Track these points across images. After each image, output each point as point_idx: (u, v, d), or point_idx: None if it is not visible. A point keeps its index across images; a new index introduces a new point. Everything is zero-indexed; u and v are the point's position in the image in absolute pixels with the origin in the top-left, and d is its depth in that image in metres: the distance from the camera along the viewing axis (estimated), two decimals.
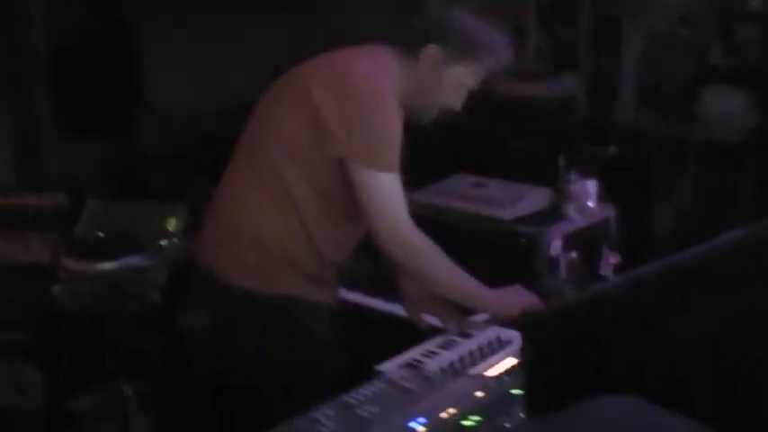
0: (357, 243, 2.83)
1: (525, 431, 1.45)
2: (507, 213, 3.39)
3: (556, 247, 3.35)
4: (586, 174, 3.49)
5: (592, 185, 3.51)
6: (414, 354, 2.52)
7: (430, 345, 2.58)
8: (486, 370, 2.39)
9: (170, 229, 4.04)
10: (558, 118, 5.27)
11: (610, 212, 3.62)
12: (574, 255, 3.40)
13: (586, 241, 3.48)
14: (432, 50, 2.63)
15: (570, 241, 3.41)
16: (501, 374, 2.35)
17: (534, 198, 3.49)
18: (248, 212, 2.71)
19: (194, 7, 6.21)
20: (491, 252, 3.21)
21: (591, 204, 3.52)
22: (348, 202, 2.63)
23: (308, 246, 2.68)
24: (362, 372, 2.66)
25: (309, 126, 2.58)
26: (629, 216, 4.00)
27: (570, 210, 3.45)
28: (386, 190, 2.56)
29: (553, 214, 3.48)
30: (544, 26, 6.01)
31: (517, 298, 2.63)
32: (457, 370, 2.40)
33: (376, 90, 2.57)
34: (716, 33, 6.17)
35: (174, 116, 5.81)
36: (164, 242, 3.75)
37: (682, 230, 5.68)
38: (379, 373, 2.36)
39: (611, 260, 3.51)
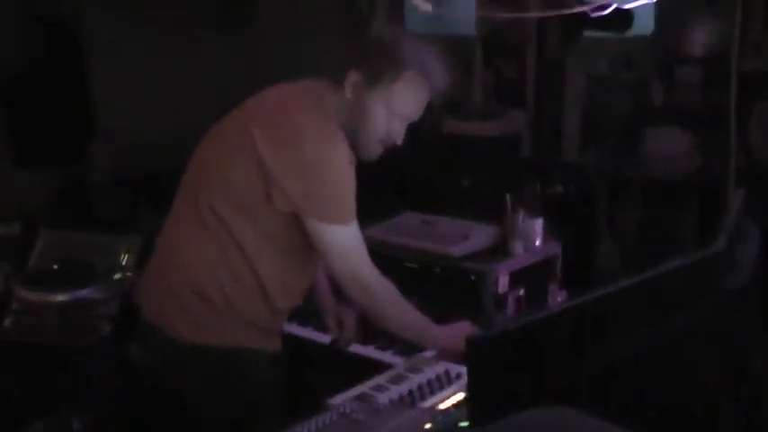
0: (309, 287, 2.83)
1: None
2: (456, 250, 3.46)
3: (503, 283, 3.42)
4: (533, 212, 3.58)
5: (538, 224, 3.59)
6: (364, 387, 2.58)
7: (380, 379, 2.64)
8: (435, 403, 2.46)
9: (123, 261, 4.07)
10: (505, 156, 5.37)
11: (556, 250, 3.70)
12: (521, 292, 3.48)
13: (533, 278, 3.56)
14: (352, 76, 2.54)
15: (517, 278, 3.49)
16: (450, 408, 2.42)
17: (482, 235, 3.56)
18: (192, 261, 2.63)
19: (148, 40, 6.26)
20: (441, 288, 3.28)
21: (538, 242, 3.60)
22: (299, 249, 2.62)
23: (257, 296, 2.64)
24: (314, 407, 2.72)
25: (257, 178, 2.50)
26: (575, 253, 4.10)
27: (517, 247, 3.53)
28: (345, 242, 2.54)
29: (500, 252, 3.55)
30: (490, 65, 6.12)
31: (463, 334, 2.66)
32: (407, 403, 2.46)
33: (328, 144, 2.48)
34: (658, 75, 6.32)
35: (127, 148, 5.84)
36: (117, 275, 3.76)
37: (626, 267, 5.80)
38: (329, 406, 2.41)
39: (557, 297, 3.60)
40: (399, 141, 2.63)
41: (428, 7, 3.12)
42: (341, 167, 2.49)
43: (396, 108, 2.55)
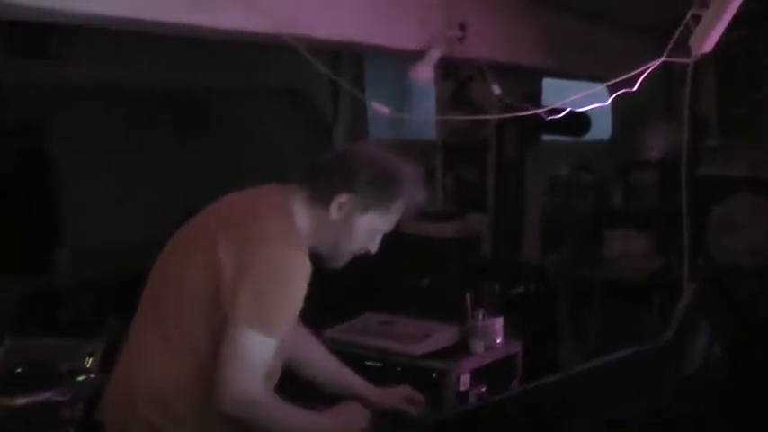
0: None
1: None
2: (418, 349, 3.49)
3: (465, 381, 3.45)
4: (493, 311, 3.63)
5: (498, 322, 3.63)
6: None
7: None
8: None
9: (87, 364, 4.06)
10: (465, 257, 5.44)
11: (517, 348, 3.74)
12: (483, 389, 3.51)
13: (495, 376, 3.59)
14: (342, 199, 2.54)
15: (479, 376, 3.52)
16: None
17: (443, 334, 3.60)
18: (155, 376, 2.54)
19: (112, 148, 6.35)
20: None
21: (498, 340, 3.64)
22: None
23: (195, 402, 2.50)
24: None
25: (212, 282, 2.42)
26: (537, 352, 4.14)
27: (478, 346, 3.57)
28: (258, 354, 2.41)
29: (462, 350, 3.58)
30: (450, 169, 6.23)
31: (353, 412, 2.65)
32: None
33: (290, 253, 2.44)
34: (616, 179, 6.45)
35: (90, 254, 5.87)
36: (80, 377, 3.75)
37: None
38: None
39: None
40: (374, 251, 2.68)
41: (385, 110, 3.21)
42: (296, 281, 2.43)
43: (382, 228, 2.63)
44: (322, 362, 2.98)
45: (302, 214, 2.56)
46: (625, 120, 6.49)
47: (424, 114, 6.59)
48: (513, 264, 5.71)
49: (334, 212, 2.55)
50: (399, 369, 3.49)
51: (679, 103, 6.02)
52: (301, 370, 2.92)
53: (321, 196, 2.56)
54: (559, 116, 3.62)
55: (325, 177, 2.59)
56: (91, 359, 4.15)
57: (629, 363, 1.65)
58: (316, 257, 2.59)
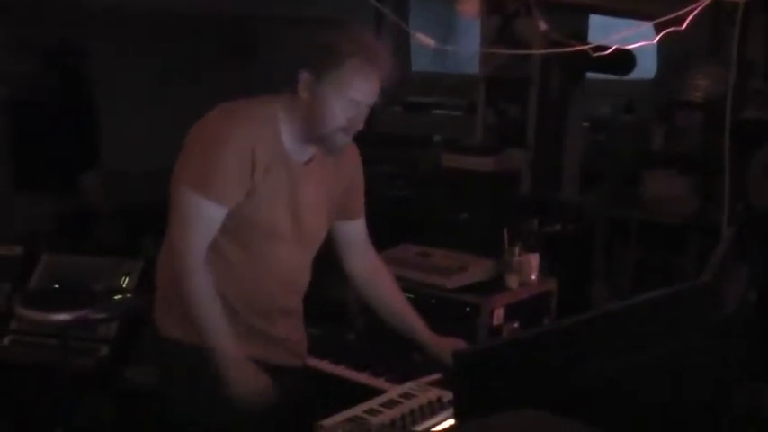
0: (270, 290, 2.76)
1: None
2: (451, 282, 3.49)
3: (498, 316, 3.46)
4: (530, 247, 3.62)
5: (535, 259, 3.63)
6: (356, 411, 2.61)
7: (372, 403, 2.67)
8: (427, 428, 2.49)
9: (123, 285, 4.11)
10: (504, 192, 5.42)
11: (552, 285, 3.74)
12: (516, 325, 3.51)
13: (528, 312, 3.60)
14: (302, 76, 2.58)
15: (512, 312, 3.52)
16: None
17: (478, 268, 3.60)
18: (163, 257, 2.73)
19: (152, 73, 6.35)
20: (436, 319, 3.29)
21: (533, 277, 3.64)
22: (236, 240, 2.63)
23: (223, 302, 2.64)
24: (305, 429, 2.74)
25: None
26: (571, 290, 4.14)
27: (513, 281, 3.57)
28: (190, 212, 2.53)
29: (496, 285, 3.59)
30: (493, 104, 6.19)
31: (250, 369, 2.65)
32: (398, 427, 2.49)
33: (225, 121, 2.56)
34: (658, 119, 6.38)
35: (128, 175, 5.90)
36: (116, 296, 3.80)
37: None
38: (321, 428, 2.44)
39: None
40: (361, 125, 2.65)
41: (431, 42, 3.17)
42: (221, 144, 2.52)
43: (347, 93, 2.58)
44: (390, 300, 3.02)
45: (280, 110, 2.63)
46: (670, 60, 6.40)
47: (469, 48, 6.51)
48: (551, 201, 5.68)
49: (302, 93, 2.58)
50: (433, 301, 3.49)
51: (725, 45, 5.96)
52: (371, 303, 3.02)
53: (291, 85, 2.61)
54: (605, 53, 3.57)
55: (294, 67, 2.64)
56: (127, 279, 4.21)
57: (664, 303, 1.63)
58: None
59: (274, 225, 2.66)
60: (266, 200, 2.62)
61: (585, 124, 6.68)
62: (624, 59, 5.78)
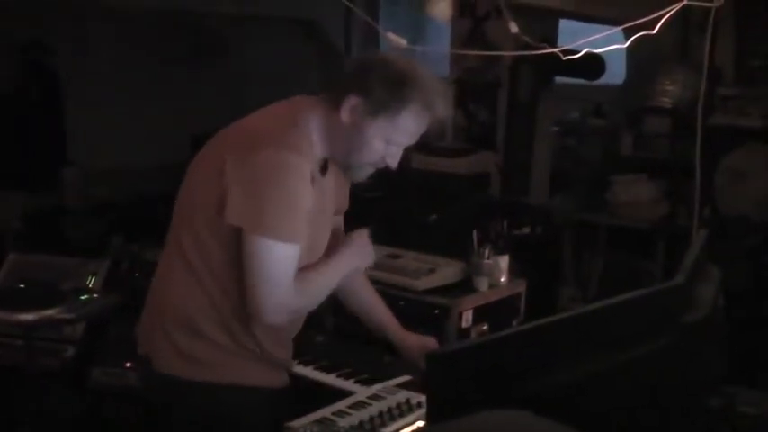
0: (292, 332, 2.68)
1: None
2: (420, 284, 3.49)
3: (467, 318, 3.46)
4: (499, 250, 3.62)
5: (504, 261, 3.63)
6: (325, 412, 2.59)
7: (341, 405, 2.66)
8: (395, 430, 2.48)
9: (90, 285, 4.08)
10: (474, 195, 5.42)
11: (521, 288, 3.74)
12: (484, 327, 3.52)
13: (497, 315, 3.60)
14: (353, 101, 2.39)
15: (481, 314, 3.52)
16: None
17: (447, 271, 3.60)
18: (177, 295, 2.52)
19: (123, 70, 6.31)
20: (405, 321, 3.28)
21: (503, 279, 3.64)
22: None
23: (220, 321, 2.49)
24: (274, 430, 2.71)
25: (217, 194, 2.37)
26: (539, 294, 4.14)
27: (482, 284, 3.57)
28: (274, 259, 2.34)
29: (465, 287, 3.58)
30: (462, 106, 6.20)
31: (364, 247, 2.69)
32: (367, 429, 2.47)
33: (284, 154, 2.32)
34: (627, 125, 6.41)
35: (97, 175, 5.86)
36: (83, 297, 3.76)
37: None
38: (290, 429, 2.43)
39: None
40: (394, 165, 2.51)
41: (402, 42, 3.16)
42: (287, 181, 2.32)
43: (396, 139, 2.43)
44: (363, 295, 2.95)
45: (314, 121, 2.45)
46: (639, 65, 6.43)
47: (440, 49, 6.52)
48: (519, 205, 5.69)
49: (344, 115, 2.40)
50: (402, 303, 3.48)
51: (693, 51, 6.01)
52: (343, 297, 2.92)
53: (333, 100, 2.43)
54: (575, 57, 3.57)
55: (338, 82, 2.47)
56: (94, 278, 4.18)
57: (636, 305, 1.63)
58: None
59: (308, 246, 2.50)
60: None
61: (555, 128, 6.70)
62: (594, 64, 5.80)
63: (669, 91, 6.11)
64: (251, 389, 2.54)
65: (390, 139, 2.43)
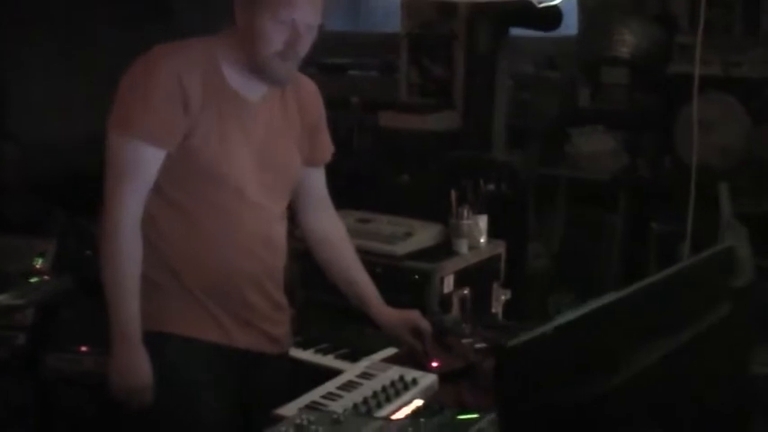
0: (232, 269, 2.48)
1: None
2: (399, 249, 3.29)
3: (448, 283, 3.27)
4: (477, 209, 3.44)
5: (483, 221, 3.46)
6: (313, 396, 2.38)
7: (329, 386, 2.45)
8: (393, 411, 2.28)
9: (37, 266, 3.80)
10: (444, 153, 5.24)
11: (500, 249, 3.57)
12: (465, 292, 3.33)
13: (478, 278, 3.42)
14: (236, 4, 2.39)
15: (462, 278, 3.34)
16: (408, 416, 2.25)
17: (425, 234, 3.40)
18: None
19: (61, 38, 6.00)
20: (383, 289, 3.08)
21: (482, 240, 3.46)
22: (194, 207, 2.39)
23: (165, 269, 2.41)
24: (254, 417, 2.51)
25: None
26: (510, 253, 3.97)
27: (462, 246, 3.38)
28: (115, 155, 2.31)
29: (444, 250, 3.40)
30: (416, 62, 6.01)
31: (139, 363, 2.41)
32: (363, 412, 2.27)
33: (145, 67, 2.34)
34: (584, 77, 6.28)
35: (36, 149, 5.57)
36: (33, 280, 3.50)
37: (556, 267, 5.74)
38: (281, 418, 2.21)
39: (501, 297, 3.46)
40: (302, 49, 2.40)
41: None
42: (148, 78, 2.31)
43: (277, 12, 2.34)
44: (344, 265, 2.78)
45: (224, 42, 2.42)
46: (591, 16, 6.28)
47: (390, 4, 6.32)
48: (484, 161, 5.51)
49: (238, 18, 2.39)
50: (379, 270, 3.27)
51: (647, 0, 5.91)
52: (323, 265, 2.78)
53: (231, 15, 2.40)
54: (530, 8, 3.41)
55: None
56: (41, 259, 3.91)
57: (688, 276, 1.44)
58: None
59: (230, 169, 2.39)
60: (214, 140, 2.36)
61: (509, 82, 6.54)
62: (551, 15, 5.63)
63: (626, 41, 5.99)
64: (195, 341, 2.43)
65: (276, 16, 2.33)
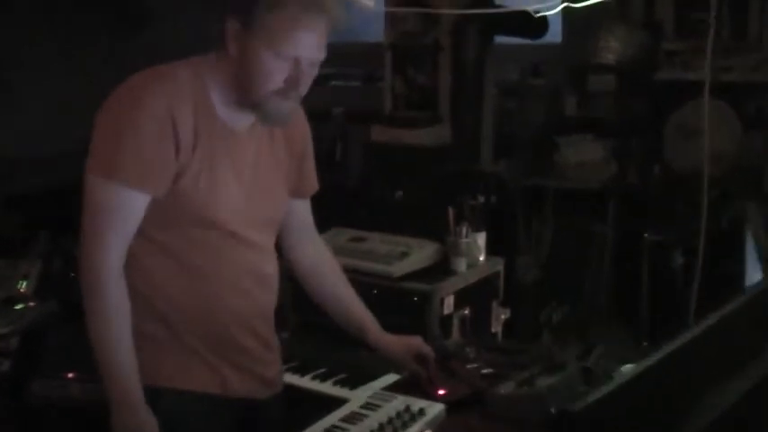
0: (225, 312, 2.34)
1: None
2: (396, 269, 3.20)
3: (449, 304, 3.19)
4: (476, 226, 3.35)
5: (481, 239, 3.37)
6: (316, 429, 2.29)
7: (332, 419, 2.35)
8: None
9: (22, 290, 3.69)
10: (437, 167, 5.16)
11: (499, 266, 3.49)
12: (466, 312, 3.25)
13: (477, 297, 3.34)
14: (229, 25, 2.17)
15: (462, 298, 3.26)
16: None
17: (422, 253, 3.31)
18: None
19: (43, 53, 5.90)
20: (380, 312, 2.98)
21: (482, 258, 3.37)
22: (179, 249, 2.23)
23: (151, 312, 2.25)
24: None
25: None
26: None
27: (460, 265, 3.29)
28: (96, 200, 2.12)
29: (441, 269, 3.31)
30: (400, 72, 5.94)
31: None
32: None
33: (131, 99, 2.14)
34: (570, 85, 6.23)
35: (16, 164, 5.47)
36: (18, 307, 3.39)
37: (546, 279, 5.67)
38: None
39: (501, 316, 3.38)
40: (302, 88, 2.21)
41: (371, 2, 2.85)
42: (136, 112, 2.11)
43: (280, 45, 2.13)
44: (337, 294, 2.66)
45: (212, 66, 2.23)
46: (576, 23, 6.23)
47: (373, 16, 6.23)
48: (473, 173, 5.43)
49: (231, 49, 2.18)
50: (375, 292, 3.18)
51: (631, 7, 5.87)
52: (314, 296, 2.66)
53: (223, 43, 2.20)
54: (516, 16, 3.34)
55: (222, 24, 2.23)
56: (25, 283, 3.79)
57: (736, 319, 1.36)
58: None
59: (220, 210, 2.23)
60: (204, 179, 2.19)
61: (494, 90, 6.47)
62: (536, 23, 5.57)
63: (612, 47, 5.94)
64: (190, 393, 2.29)
65: (277, 49, 2.13)
